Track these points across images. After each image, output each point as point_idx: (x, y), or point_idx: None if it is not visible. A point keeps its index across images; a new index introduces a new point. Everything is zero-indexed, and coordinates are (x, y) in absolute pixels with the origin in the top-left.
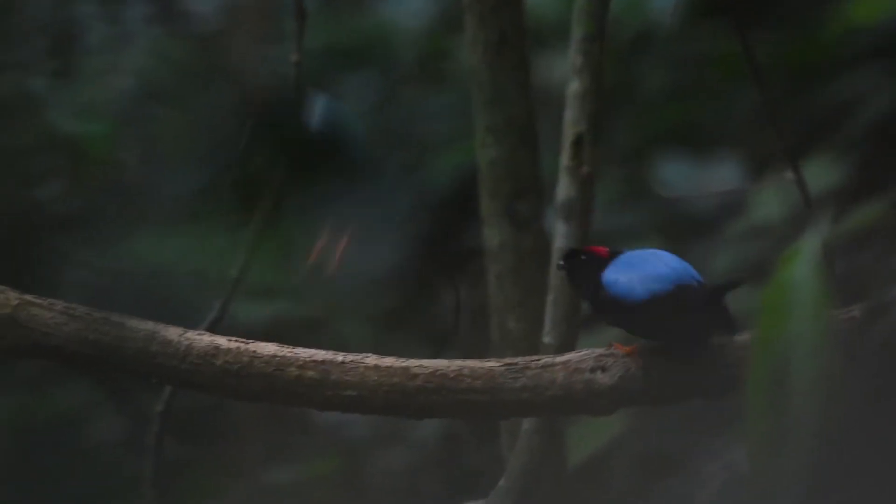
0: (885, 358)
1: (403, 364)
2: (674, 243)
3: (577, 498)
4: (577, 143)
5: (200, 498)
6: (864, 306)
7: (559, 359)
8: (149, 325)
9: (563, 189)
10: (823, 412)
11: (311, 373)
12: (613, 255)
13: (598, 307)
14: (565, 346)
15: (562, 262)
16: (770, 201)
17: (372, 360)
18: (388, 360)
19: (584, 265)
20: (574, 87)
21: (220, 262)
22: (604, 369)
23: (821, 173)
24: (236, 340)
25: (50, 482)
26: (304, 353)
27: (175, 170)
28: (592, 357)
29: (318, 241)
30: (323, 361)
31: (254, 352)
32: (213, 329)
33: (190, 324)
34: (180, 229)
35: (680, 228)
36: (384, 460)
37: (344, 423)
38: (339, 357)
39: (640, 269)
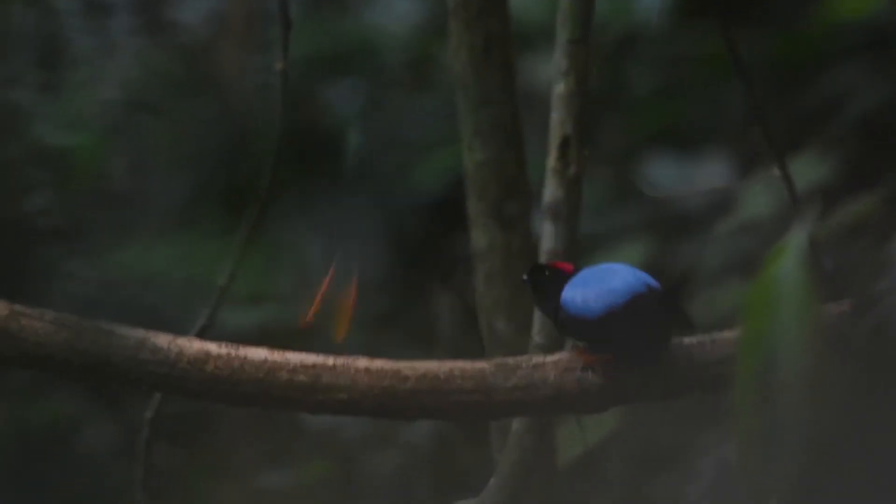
0: (874, 352)
1: (394, 366)
2: (663, 243)
3: (568, 496)
4: (564, 144)
5: (192, 503)
6: (851, 300)
7: (550, 358)
8: (139, 333)
9: (551, 190)
10: (812, 407)
11: (301, 377)
12: (577, 271)
13: (559, 324)
14: (555, 345)
15: (526, 277)
16: (758, 198)
17: (362, 362)
18: (379, 363)
19: (548, 281)
20: (560, 89)
21: (209, 270)
22: (594, 368)
23: (809, 169)
24: (226, 346)
25: (43, 490)
26: (294, 357)
27: (163, 179)
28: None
29: (318, 289)
30: (314, 365)
31: (244, 357)
32: (202, 337)
33: (180, 332)
34: (168, 238)
35: (669, 228)
36: (376, 462)
37: (336, 426)
38: (330, 360)
39: (596, 285)
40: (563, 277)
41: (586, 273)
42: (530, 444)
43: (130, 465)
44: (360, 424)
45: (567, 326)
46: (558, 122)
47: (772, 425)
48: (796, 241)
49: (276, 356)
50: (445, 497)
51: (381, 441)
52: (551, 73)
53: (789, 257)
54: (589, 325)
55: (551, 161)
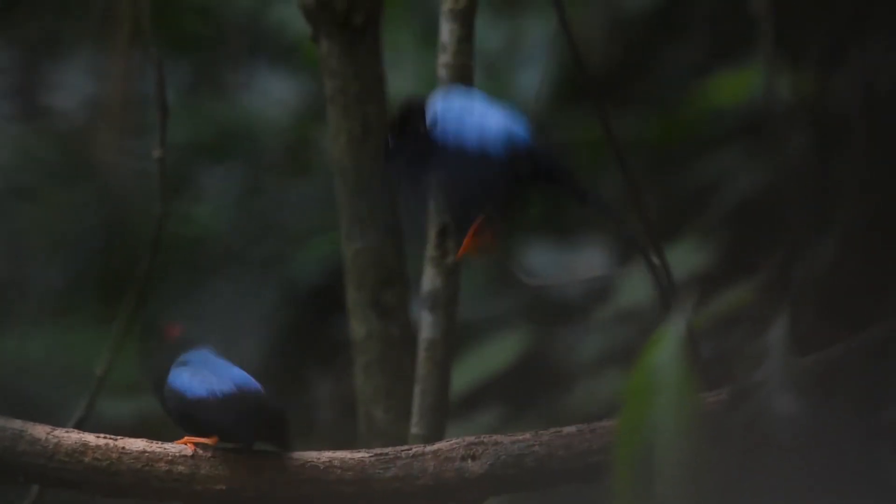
0: (749, 440)
1: (273, 456)
2: (541, 331)
3: None
4: (442, 233)
5: None
6: (728, 390)
7: (429, 448)
8: (16, 424)
9: (429, 279)
10: (690, 495)
11: (180, 467)
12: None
13: (161, 399)
14: (434, 436)
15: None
16: (636, 286)
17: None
18: (258, 453)
19: (158, 348)
20: None
21: (87, 359)
22: (474, 458)
23: (686, 256)
24: (105, 437)
25: None
26: (173, 448)
27: (39, 266)
28: (463, 445)
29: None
30: (193, 456)
31: (123, 448)
32: (80, 427)
33: (57, 422)
34: (45, 326)
35: (547, 315)
36: None
37: None
38: (209, 451)
39: (209, 370)
40: (173, 348)
41: (198, 356)
42: None
43: None
44: None
45: (169, 403)
46: (436, 210)
47: None
48: (674, 329)
49: (154, 447)
50: None
51: None
52: None
53: (667, 346)
54: (188, 403)
55: (429, 250)
